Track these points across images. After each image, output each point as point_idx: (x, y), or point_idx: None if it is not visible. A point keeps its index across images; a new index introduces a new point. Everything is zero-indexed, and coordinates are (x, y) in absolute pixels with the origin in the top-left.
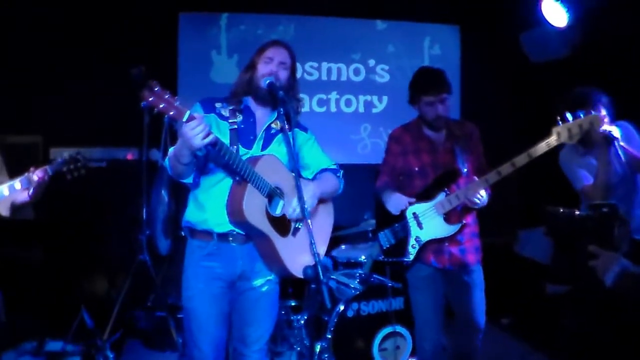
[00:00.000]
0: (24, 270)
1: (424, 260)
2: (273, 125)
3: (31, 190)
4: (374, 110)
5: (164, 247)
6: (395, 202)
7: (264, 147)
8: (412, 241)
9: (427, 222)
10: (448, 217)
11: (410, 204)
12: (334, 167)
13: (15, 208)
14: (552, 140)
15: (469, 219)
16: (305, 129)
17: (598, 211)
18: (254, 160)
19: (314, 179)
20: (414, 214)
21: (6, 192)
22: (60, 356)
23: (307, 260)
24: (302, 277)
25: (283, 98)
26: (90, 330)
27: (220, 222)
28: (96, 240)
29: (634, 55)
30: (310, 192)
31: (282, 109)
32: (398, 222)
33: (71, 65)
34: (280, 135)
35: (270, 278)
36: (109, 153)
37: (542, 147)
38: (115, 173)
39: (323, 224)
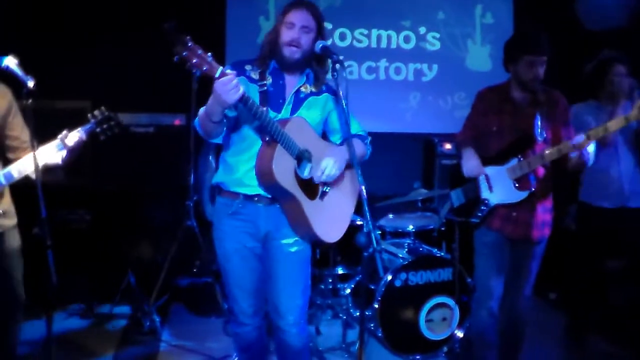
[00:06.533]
0: (72, 234)
1: (490, 225)
2: (302, 89)
3: (65, 154)
4: (424, 79)
5: (211, 213)
6: (471, 166)
7: (292, 112)
8: (481, 203)
9: (498, 186)
10: (519, 183)
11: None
12: (363, 133)
13: (44, 171)
14: (633, 115)
15: (544, 191)
16: (335, 93)
17: None
18: (283, 122)
19: (341, 144)
20: (486, 175)
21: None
22: (108, 319)
23: (335, 225)
24: (328, 241)
25: (337, 60)
26: (136, 295)
27: (248, 185)
28: (144, 206)
29: None
30: (337, 157)
31: (310, 72)
32: (470, 182)
33: (119, 31)
34: (309, 99)
35: (297, 239)
36: (157, 119)
37: (620, 120)
38: (163, 139)
39: (350, 190)
